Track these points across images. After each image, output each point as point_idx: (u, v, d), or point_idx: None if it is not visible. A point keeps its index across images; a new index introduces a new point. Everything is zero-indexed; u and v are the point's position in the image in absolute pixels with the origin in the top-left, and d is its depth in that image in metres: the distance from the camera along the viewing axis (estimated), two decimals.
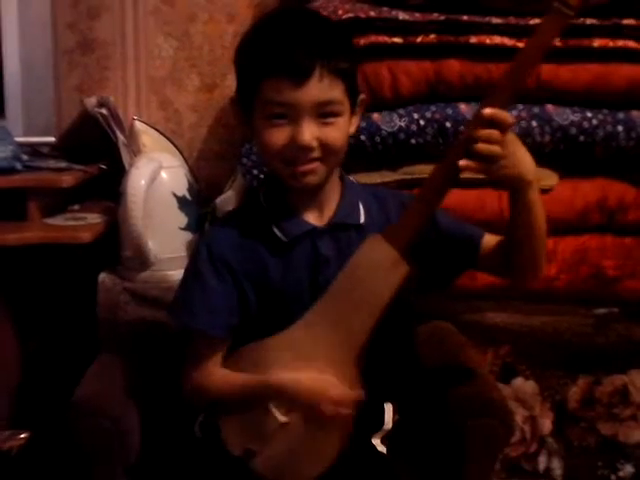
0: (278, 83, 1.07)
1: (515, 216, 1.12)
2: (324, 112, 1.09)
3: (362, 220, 1.18)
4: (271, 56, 1.08)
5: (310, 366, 1.11)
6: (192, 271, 1.18)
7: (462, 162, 1.06)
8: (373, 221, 1.19)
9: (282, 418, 1.11)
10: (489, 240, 1.20)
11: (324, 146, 1.10)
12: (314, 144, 1.09)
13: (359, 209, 1.19)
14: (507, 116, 1.05)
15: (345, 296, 1.11)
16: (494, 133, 1.04)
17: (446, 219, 1.21)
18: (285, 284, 1.15)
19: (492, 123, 1.04)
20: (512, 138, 1.07)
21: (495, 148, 1.04)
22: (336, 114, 1.10)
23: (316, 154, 1.10)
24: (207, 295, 1.15)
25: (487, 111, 1.04)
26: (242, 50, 1.15)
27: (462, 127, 1.59)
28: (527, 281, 1.21)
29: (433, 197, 1.10)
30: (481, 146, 1.04)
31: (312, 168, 1.12)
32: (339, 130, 1.11)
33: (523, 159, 1.07)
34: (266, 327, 1.14)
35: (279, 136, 1.09)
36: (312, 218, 1.17)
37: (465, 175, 1.09)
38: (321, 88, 1.08)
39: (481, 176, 1.08)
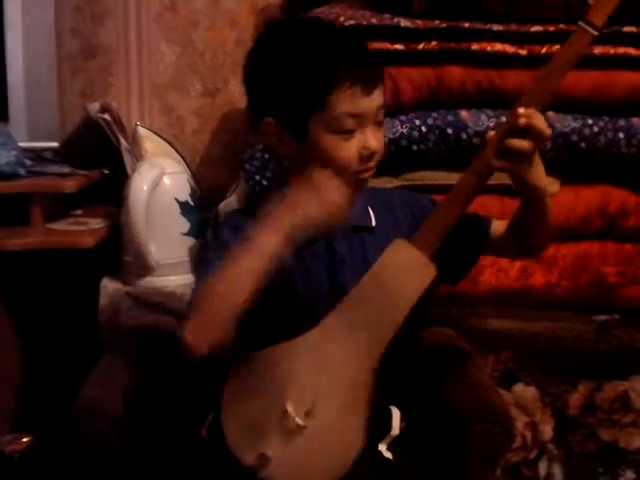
0: (352, 94, 1.08)
1: (528, 216, 1.15)
2: (379, 117, 1.13)
3: (374, 223, 1.20)
4: (344, 68, 1.08)
5: (326, 369, 1.08)
6: (215, 244, 1.15)
7: (496, 162, 1.07)
8: (383, 223, 1.20)
9: (300, 421, 1.06)
10: (497, 226, 1.22)
11: (379, 151, 1.13)
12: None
13: (369, 212, 1.21)
14: (545, 128, 1.05)
15: (368, 301, 1.09)
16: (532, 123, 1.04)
17: None
18: (302, 284, 1.14)
19: (527, 131, 1.04)
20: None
21: (526, 144, 1.05)
22: (383, 118, 1.14)
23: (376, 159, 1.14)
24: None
25: (522, 110, 1.04)
26: (294, 68, 1.10)
27: (464, 134, 1.61)
28: (534, 257, 1.27)
29: (463, 200, 1.12)
30: (515, 141, 1.05)
31: (371, 174, 1.14)
32: (383, 133, 1.15)
33: (542, 170, 1.11)
34: (284, 330, 1.12)
35: (351, 149, 1.10)
36: None
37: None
38: (381, 92, 1.12)
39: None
